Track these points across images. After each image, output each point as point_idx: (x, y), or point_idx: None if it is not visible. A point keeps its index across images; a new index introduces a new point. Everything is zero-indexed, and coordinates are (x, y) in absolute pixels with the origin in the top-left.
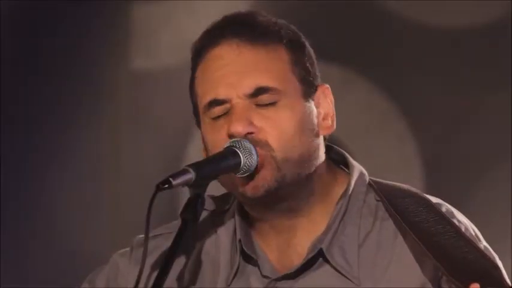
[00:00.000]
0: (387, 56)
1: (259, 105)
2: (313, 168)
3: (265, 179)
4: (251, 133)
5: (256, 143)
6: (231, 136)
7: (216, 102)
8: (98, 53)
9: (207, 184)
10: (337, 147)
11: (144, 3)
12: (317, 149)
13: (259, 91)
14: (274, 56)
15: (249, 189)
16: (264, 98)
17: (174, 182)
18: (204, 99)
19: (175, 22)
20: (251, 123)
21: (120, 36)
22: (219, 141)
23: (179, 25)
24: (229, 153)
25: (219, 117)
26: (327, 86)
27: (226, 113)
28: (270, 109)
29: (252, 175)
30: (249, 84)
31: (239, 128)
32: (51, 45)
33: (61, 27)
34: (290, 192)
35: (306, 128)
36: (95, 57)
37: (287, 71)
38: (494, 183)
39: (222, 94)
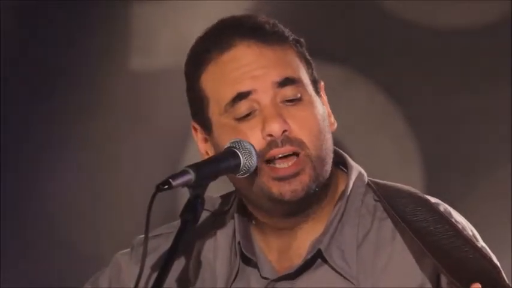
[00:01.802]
0: (387, 55)
1: (285, 103)
2: (330, 166)
3: (305, 181)
4: (285, 131)
5: (291, 142)
6: (269, 136)
7: (239, 96)
8: (97, 52)
9: (207, 185)
10: (336, 148)
11: (144, 3)
12: (332, 145)
13: (286, 81)
14: (289, 54)
15: (288, 193)
16: (290, 90)
17: (173, 183)
18: (224, 98)
19: (175, 22)
20: (285, 121)
21: (120, 36)
22: None
23: (179, 25)
24: (229, 154)
25: (243, 118)
26: (322, 83)
27: (251, 115)
28: (296, 107)
29: (286, 178)
30: (277, 73)
31: (276, 127)
32: (51, 44)
33: (61, 26)
34: (319, 193)
35: (325, 124)
36: (95, 57)
37: (301, 68)
38: (494, 183)
39: (246, 86)
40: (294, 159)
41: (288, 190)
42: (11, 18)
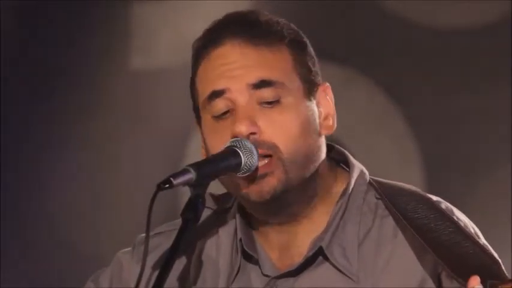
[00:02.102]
0: (387, 55)
1: (262, 105)
2: (315, 169)
3: (272, 184)
4: (253, 133)
5: (260, 145)
6: (234, 137)
7: (215, 94)
8: (97, 52)
9: (208, 184)
10: (338, 147)
11: (144, 3)
12: (319, 149)
13: (263, 83)
14: (277, 55)
15: (254, 194)
16: (267, 92)
17: (174, 182)
18: (204, 94)
19: (175, 22)
20: (254, 124)
21: (120, 36)
22: (221, 144)
23: (179, 25)
24: (230, 152)
25: (221, 116)
26: (328, 84)
27: (228, 113)
28: (275, 110)
29: (256, 178)
30: (253, 75)
31: (242, 128)
32: (51, 44)
33: (61, 26)
34: (295, 197)
35: (309, 128)
36: (95, 57)
37: (290, 70)
38: (494, 183)
39: (221, 85)
40: (266, 161)
41: (254, 191)
42: (11, 18)
